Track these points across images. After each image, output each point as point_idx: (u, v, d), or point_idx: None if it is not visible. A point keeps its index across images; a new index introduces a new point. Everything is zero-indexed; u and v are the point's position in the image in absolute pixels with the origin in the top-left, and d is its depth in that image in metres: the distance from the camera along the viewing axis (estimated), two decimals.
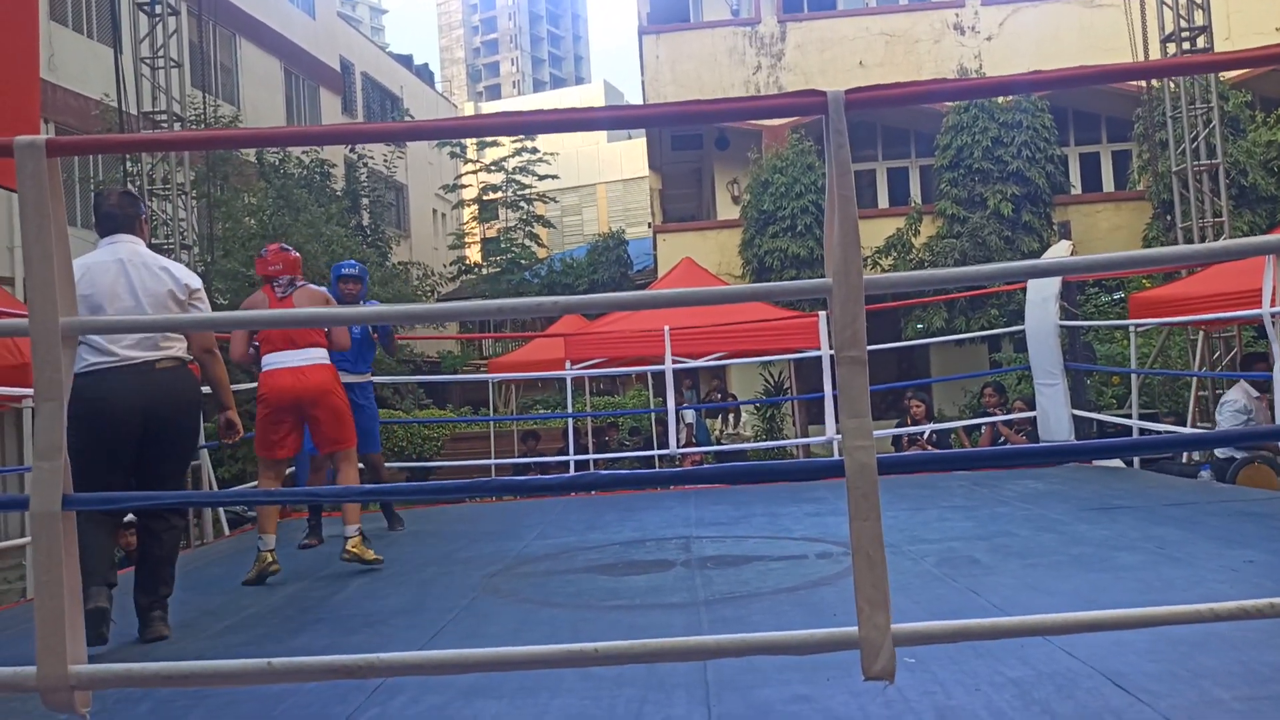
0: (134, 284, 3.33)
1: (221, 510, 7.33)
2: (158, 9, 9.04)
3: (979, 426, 8.36)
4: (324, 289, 4.66)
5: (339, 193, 18.77)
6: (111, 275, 3.32)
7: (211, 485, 7.54)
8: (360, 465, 5.05)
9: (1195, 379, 8.68)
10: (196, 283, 3.53)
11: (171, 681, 1.59)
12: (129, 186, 9.10)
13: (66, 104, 14.69)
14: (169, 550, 3.43)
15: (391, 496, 5.62)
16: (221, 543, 6.13)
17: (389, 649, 3.02)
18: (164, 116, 9.07)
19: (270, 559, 4.22)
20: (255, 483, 4.91)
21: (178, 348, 3.45)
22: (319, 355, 4.36)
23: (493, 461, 9.77)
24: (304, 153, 17.55)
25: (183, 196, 9.18)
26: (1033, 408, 7.13)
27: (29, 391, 5.62)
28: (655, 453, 8.65)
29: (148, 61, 9.11)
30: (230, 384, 3.76)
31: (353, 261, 5.57)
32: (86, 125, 13.94)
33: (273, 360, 4.30)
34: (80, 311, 3.14)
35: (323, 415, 4.33)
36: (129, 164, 11.21)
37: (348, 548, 4.29)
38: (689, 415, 10.82)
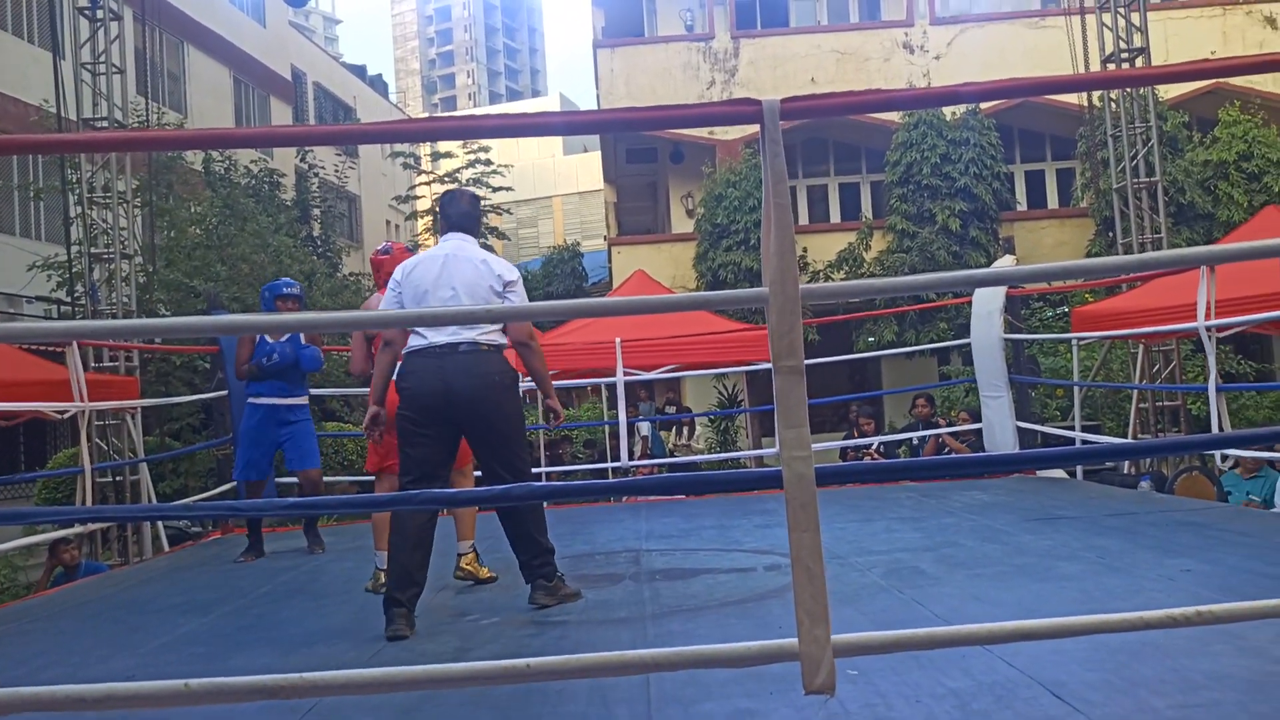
0: (452, 276, 3.50)
1: (161, 526, 7.15)
2: (99, 14, 8.83)
3: (924, 438, 8.45)
4: None
5: (289, 203, 18.48)
6: (432, 269, 3.52)
7: (150, 499, 7.35)
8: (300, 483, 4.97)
9: (1136, 391, 8.87)
10: (512, 274, 3.63)
11: (85, 704, 1.52)
12: (88, 215, 8.85)
13: (4, 110, 14.30)
14: (529, 520, 3.56)
15: (331, 510, 5.51)
16: (160, 559, 5.97)
17: (328, 668, 2.95)
18: (106, 123, 8.85)
19: (381, 578, 4.02)
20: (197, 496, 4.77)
21: (491, 335, 3.51)
22: None
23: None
24: (252, 161, 17.27)
25: (124, 204, 8.95)
26: (978, 419, 7.22)
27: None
28: (609, 465, 8.61)
29: (89, 67, 8.89)
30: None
31: (291, 280, 5.44)
32: (25, 132, 13.57)
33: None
34: (406, 301, 3.48)
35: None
36: (69, 171, 10.92)
37: (461, 564, 4.09)
38: (644, 428, 10.80)
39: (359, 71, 30.64)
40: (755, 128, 1.69)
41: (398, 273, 3.58)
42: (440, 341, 3.42)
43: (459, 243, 3.61)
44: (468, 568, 4.09)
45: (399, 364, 3.50)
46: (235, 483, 6.41)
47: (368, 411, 3.66)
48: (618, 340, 7.27)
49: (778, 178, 1.65)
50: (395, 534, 3.36)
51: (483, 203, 22.04)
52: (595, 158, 24.71)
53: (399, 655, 3.05)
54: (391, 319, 3.42)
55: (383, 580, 3.98)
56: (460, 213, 3.67)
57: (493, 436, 3.50)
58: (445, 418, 3.43)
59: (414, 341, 3.47)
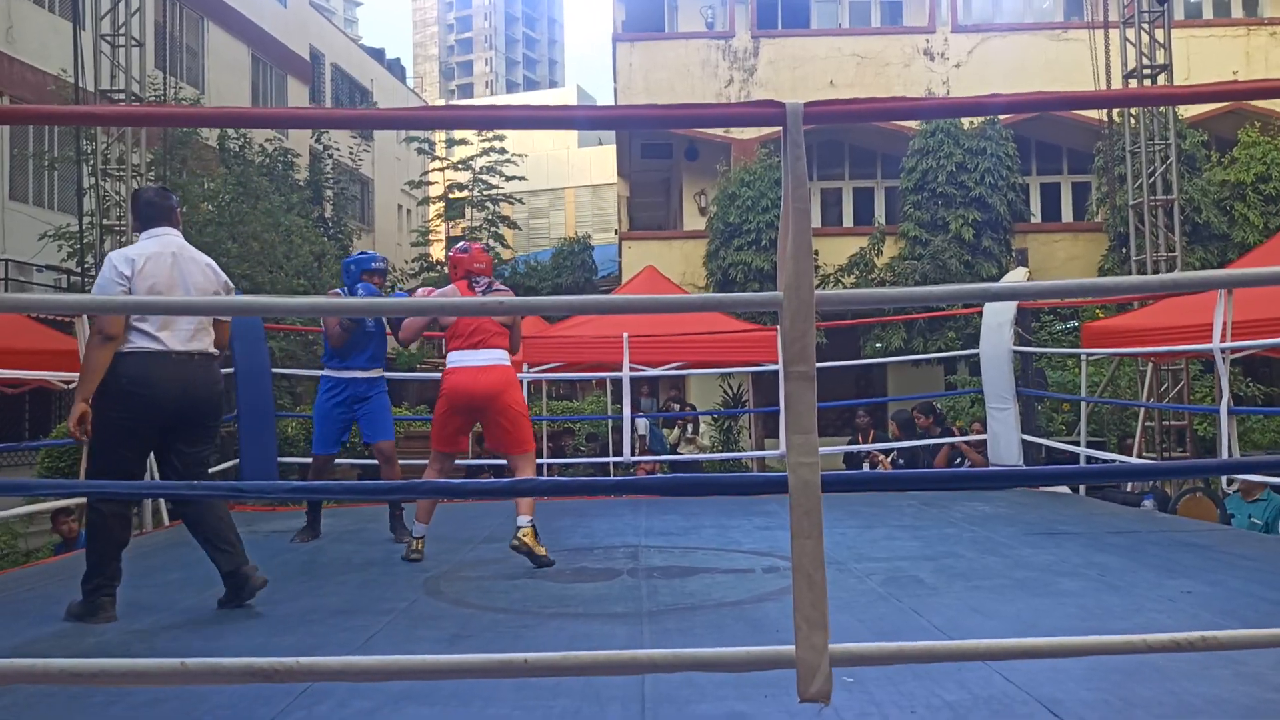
0: (186, 278, 3.48)
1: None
2: None
3: (937, 447, 8.42)
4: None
5: (302, 183, 18.49)
6: (167, 268, 3.46)
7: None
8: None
9: (1143, 409, 8.84)
10: (227, 279, 3.72)
11: (80, 679, 1.52)
12: (101, 187, 8.89)
13: (23, 78, 14.32)
14: (218, 518, 3.51)
15: (334, 496, 5.50)
16: (160, 533, 5.98)
17: (323, 650, 2.96)
18: (123, 95, 8.86)
19: (418, 545, 4.34)
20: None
21: (209, 342, 3.55)
22: (500, 357, 4.38)
23: None
24: (267, 140, 17.28)
25: (138, 177, 8.96)
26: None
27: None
28: (610, 460, 8.61)
29: (108, 39, 8.90)
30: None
31: (377, 254, 5.41)
32: (43, 100, 13.59)
33: (455, 358, 4.35)
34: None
35: (499, 417, 4.34)
36: (84, 142, 10.93)
37: (519, 536, 4.15)
38: (641, 426, 10.77)
39: (377, 55, 30.61)
40: (771, 128, 1.68)
41: (124, 265, 3.40)
42: (179, 349, 3.40)
43: (180, 240, 3.56)
44: (526, 540, 4.15)
45: (120, 365, 3.35)
46: (238, 460, 6.44)
47: (75, 410, 3.34)
48: (625, 335, 7.26)
49: (798, 181, 1.64)
50: (104, 539, 3.36)
51: (495, 191, 21.90)
52: (610, 151, 24.67)
53: (393, 639, 3.05)
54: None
55: (416, 549, 4.34)
56: (168, 206, 3.61)
57: (202, 441, 3.55)
58: (166, 424, 3.42)
59: (144, 344, 3.37)
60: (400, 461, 5.36)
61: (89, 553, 3.37)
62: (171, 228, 3.59)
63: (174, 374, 3.40)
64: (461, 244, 4.67)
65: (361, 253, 5.49)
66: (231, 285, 3.74)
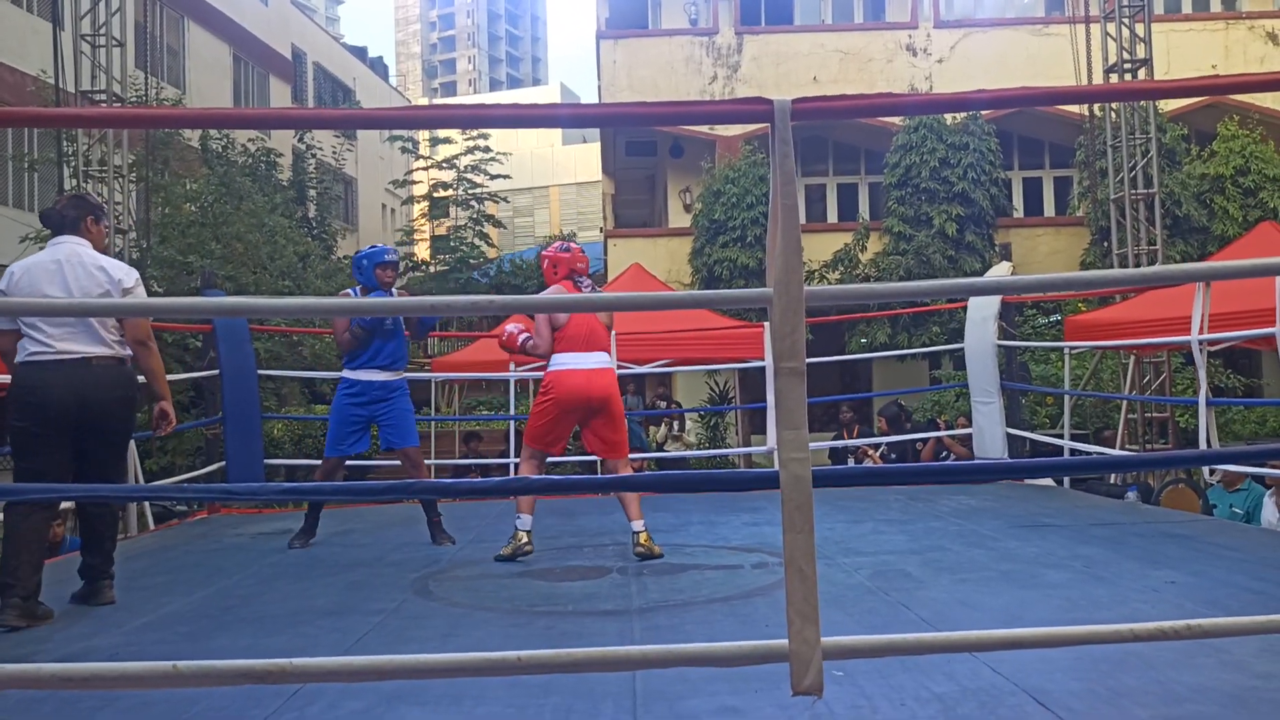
0: (69, 282, 3.42)
1: (148, 504, 7.11)
2: None
3: (924, 440, 8.47)
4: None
5: (285, 183, 18.39)
6: (48, 274, 3.43)
7: (138, 478, 7.32)
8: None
9: (1125, 402, 8.91)
10: (131, 279, 3.56)
11: (71, 684, 1.51)
12: (83, 188, 8.80)
13: (1, 78, 14.19)
14: (110, 528, 3.68)
15: (325, 497, 5.48)
16: (146, 537, 5.94)
17: (312, 651, 2.95)
18: (103, 96, 8.79)
19: (526, 539, 4.28)
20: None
21: (112, 346, 3.49)
22: (606, 360, 4.45)
23: (432, 462, 9.62)
24: (250, 140, 17.17)
25: (120, 179, 8.89)
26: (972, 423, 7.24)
27: None
28: (598, 457, 8.59)
29: (89, 39, 8.82)
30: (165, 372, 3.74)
31: (389, 247, 5.16)
32: (22, 101, 13.47)
33: (566, 360, 4.35)
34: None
35: (604, 420, 4.37)
36: (65, 143, 10.84)
37: (641, 541, 4.20)
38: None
39: (360, 53, 30.48)
40: (756, 124, 1.68)
41: (4, 280, 3.47)
42: (73, 354, 3.36)
43: (74, 247, 3.49)
44: (645, 544, 4.22)
45: (16, 373, 3.41)
46: (224, 463, 6.40)
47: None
48: (613, 333, 7.25)
49: (786, 179, 1.65)
50: (8, 538, 3.36)
51: (480, 190, 21.76)
52: (594, 149, 24.66)
53: (384, 640, 3.04)
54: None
55: (525, 541, 4.28)
56: (64, 215, 3.55)
57: (111, 445, 3.54)
58: (71, 428, 3.40)
59: (36, 350, 3.37)
60: (387, 462, 5.30)
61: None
62: (75, 236, 3.52)
63: (67, 379, 3.36)
64: (561, 244, 4.66)
65: (373, 246, 5.19)
66: (129, 284, 3.53)
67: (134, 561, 4.70)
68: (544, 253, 4.74)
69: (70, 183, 9.68)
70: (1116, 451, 7.59)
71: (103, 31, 8.82)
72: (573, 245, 4.64)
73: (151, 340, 3.64)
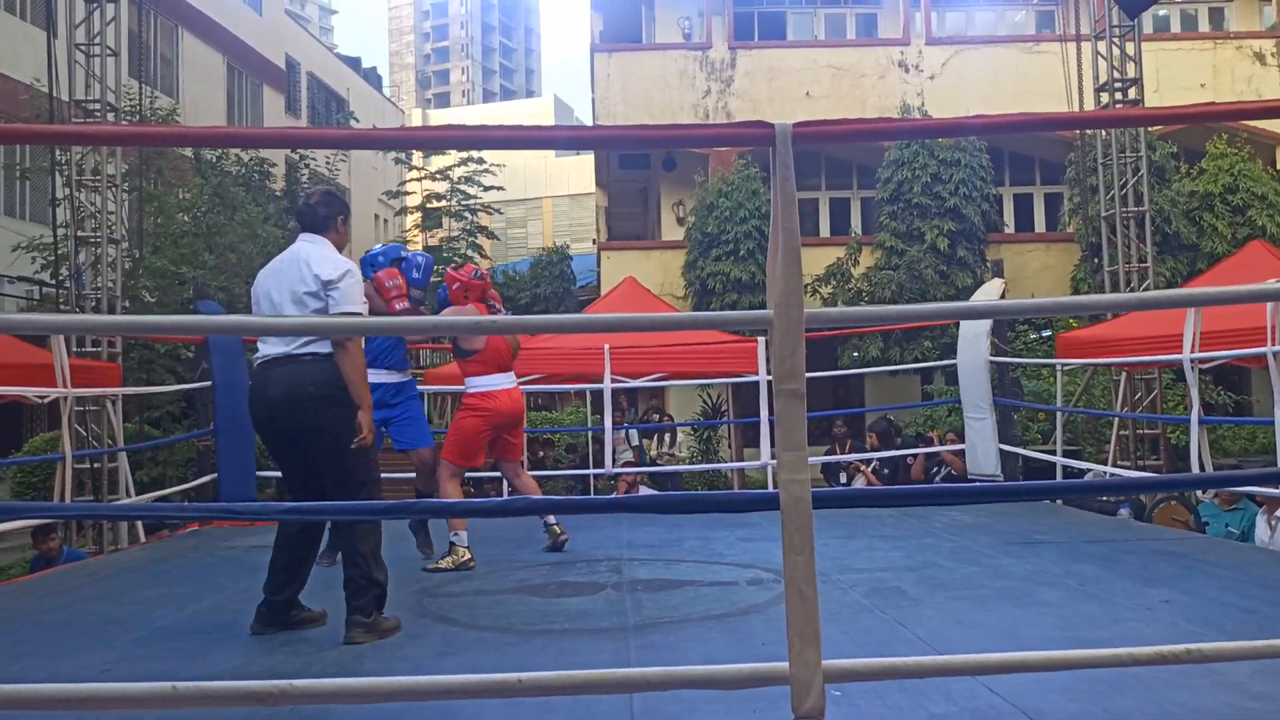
0: (281, 283, 3.39)
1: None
2: None
3: (914, 455, 8.48)
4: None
5: (279, 193, 18.36)
6: (273, 273, 3.46)
7: (129, 490, 7.28)
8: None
9: (1117, 419, 8.94)
10: (330, 272, 3.31)
11: (70, 705, 1.51)
12: (75, 197, 8.70)
13: None
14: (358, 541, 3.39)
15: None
16: (137, 549, 5.91)
17: (306, 670, 2.94)
18: (97, 105, 8.77)
19: (468, 554, 4.50)
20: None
21: (313, 344, 3.28)
22: (514, 378, 4.92)
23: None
24: (243, 150, 17.14)
25: (113, 188, 8.87)
26: (964, 439, 7.26)
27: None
28: (591, 471, 8.60)
29: (83, 48, 8.80)
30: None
31: (401, 245, 5.13)
32: (15, 110, 13.45)
33: (488, 382, 4.76)
34: (258, 308, 3.45)
35: (516, 431, 4.95)
36: (58, 152, 10.80)
37: (554, 530, 4.93)
38: (635, 436, 10.73)
39: (353, 63, 30.48)
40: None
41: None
42: (269, 354, 3.34)
43: (300, 245, 3.45)
44: (557, 530, 5.00)
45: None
46: (215, 475, 6.37)
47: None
48: (606, 347, 7.26)
49: (787, 201, 1.66)
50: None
51: (473, 201, 21.67)
52: (588, 161, 24.71)
53: (379, 657, 3.03)
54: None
55: (468, 558, 4.50)
56: (316, 213, 3.48)
57: (317, 452, 3.34)
58: (273, 434, 3.43)
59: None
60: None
61: None
62: (318, 235, 3.44)
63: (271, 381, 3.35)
64: (473, 269, 4.95)
65: (389, 244, 5.10)
66: (328, 277, 3.32)
67: (125, 575, 4.68)
68: (453, 273, 4.89)
69: (63, 192, 9.65)
70: (1106, 468, 7.62)
71: (97, 40, 8.80)
72: (483, 271, 5.02)
73: (344, 339, 3.27)
